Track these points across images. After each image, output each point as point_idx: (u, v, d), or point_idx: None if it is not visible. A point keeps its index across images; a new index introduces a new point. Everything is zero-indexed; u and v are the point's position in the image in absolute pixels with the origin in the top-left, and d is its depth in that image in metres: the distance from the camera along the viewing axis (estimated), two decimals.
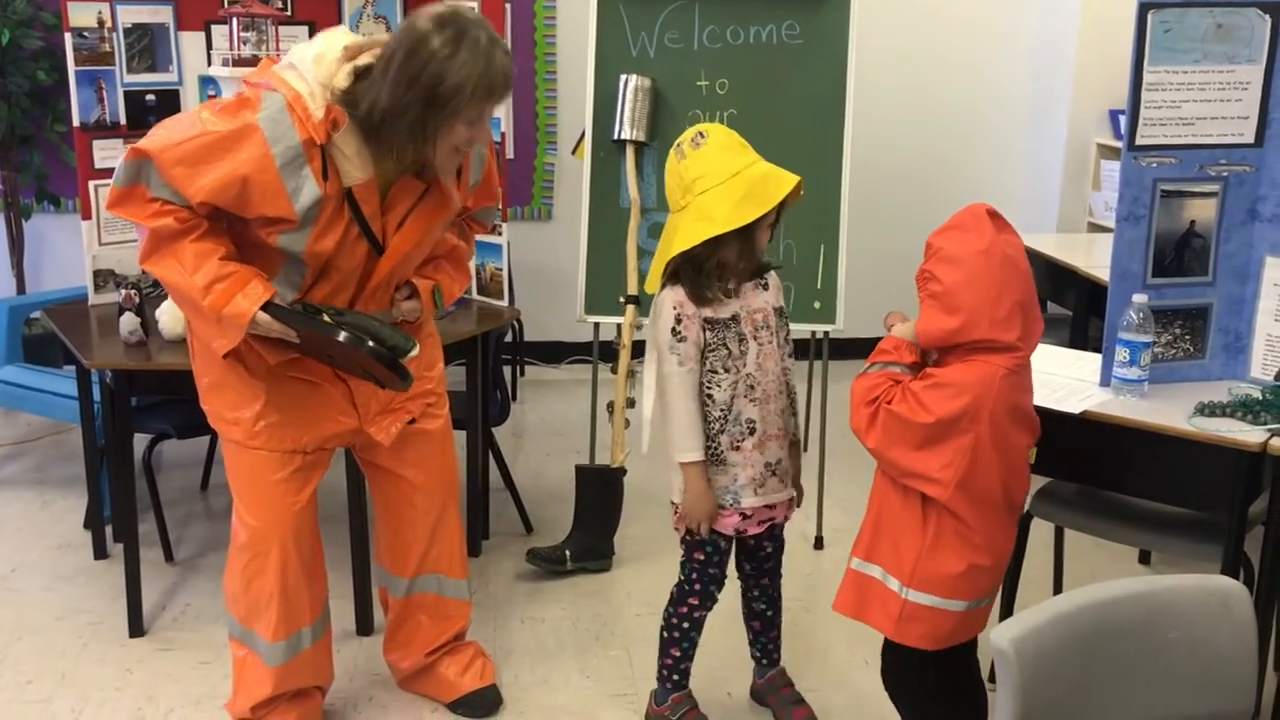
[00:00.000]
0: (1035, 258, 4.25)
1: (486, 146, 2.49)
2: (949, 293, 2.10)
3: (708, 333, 2.43)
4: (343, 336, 2.21)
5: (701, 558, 2.56)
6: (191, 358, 2.48)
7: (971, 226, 2.14)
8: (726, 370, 2.43)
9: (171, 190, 2.17)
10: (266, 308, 2.20)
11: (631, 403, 3.50)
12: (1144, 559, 3.49)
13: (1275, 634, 2.60)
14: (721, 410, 2.44)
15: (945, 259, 2.12)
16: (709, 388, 2.44)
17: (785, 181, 2.37)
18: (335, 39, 2.23)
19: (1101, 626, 1.50)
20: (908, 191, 5.24)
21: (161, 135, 2.19)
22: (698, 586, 2.58)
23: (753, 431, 2.44)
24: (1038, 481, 2.80)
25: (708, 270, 2.41)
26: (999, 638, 1.44)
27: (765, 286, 2.51)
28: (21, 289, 4.87)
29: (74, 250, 4.96)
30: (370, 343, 2.22)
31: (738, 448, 2.45)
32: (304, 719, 2.62)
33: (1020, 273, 2.12)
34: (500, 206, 2.64)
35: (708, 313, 2.43)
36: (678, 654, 2.64)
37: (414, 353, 2.33)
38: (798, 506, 2.62)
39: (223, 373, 2.39)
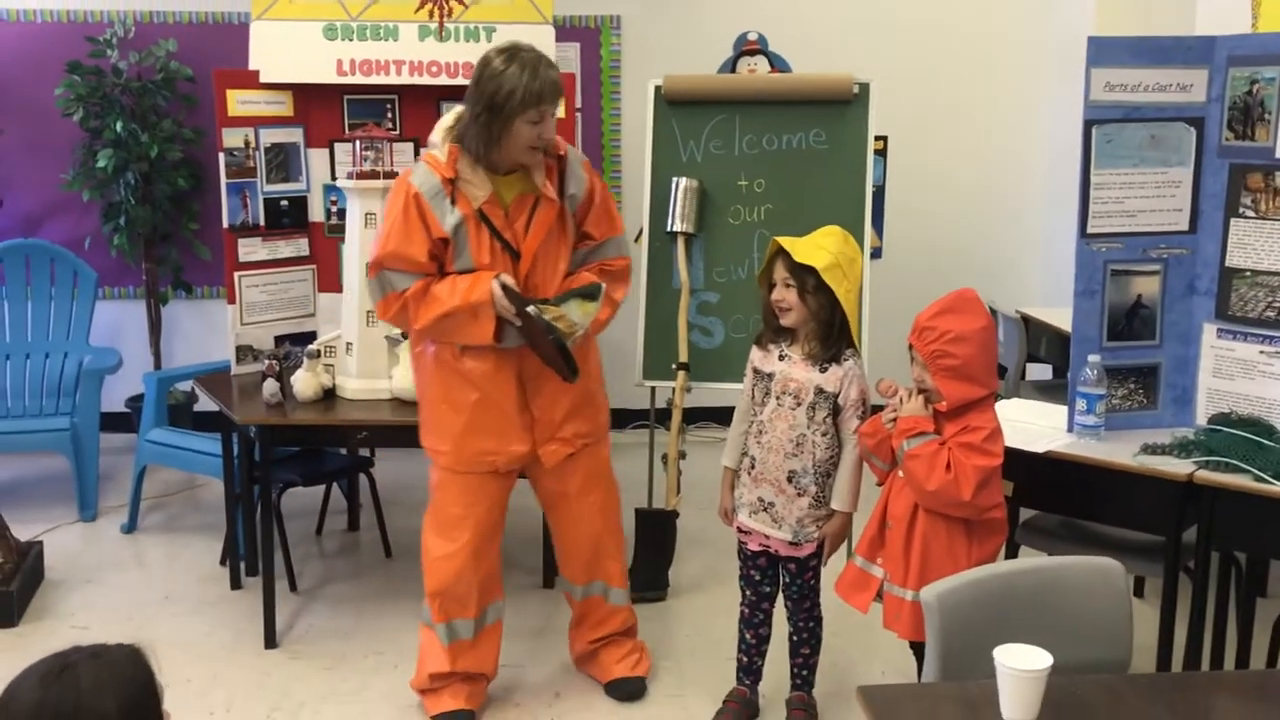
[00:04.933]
0: (1049, 330, 4.80)
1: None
2: (966, 365, 2.66)
3: (751, 373, 3.05)
4: (531, 309, 2.88)
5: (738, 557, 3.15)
6: (420, 408, 3.19)
7: (968, 308, 2.71)
8: (752, 409, 3.03)
9: (410, 275, 2.96)
10: (500, 287, 2.89)
11: (683, 454, 4.08)
12: (1138, 591, 3.93)
13: (1213, 629, 3.05)
14: (745, 438, 3.05)
15: (958, 339, 2.65)
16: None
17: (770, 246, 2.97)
18: (451, 111, 3.05)
19: (1006, 590, 2.03)
20: (930, 275, 5.75)
21: (378, 243, 2.99)
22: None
23: (753, 466, 3.03)
24: (1023, 514, 3.32)
25: (765, 326, 3.04)
26: (927, 594, 1.98)
27: (824, 370, 2.93)
28: (158, 365, 5.60)
29: (200, 331, 5.73)
30: (547, 318, 2.89)
31: (747, 472, 3.04)
32: (472, 698, 3.22)
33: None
34: (624, 237, 3.28)
35: (758, 358, 3.04)
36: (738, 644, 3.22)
37: (576, 335, 2.95)
38: (823, 563, 3.08)
39: (435, 411, 3.11)
